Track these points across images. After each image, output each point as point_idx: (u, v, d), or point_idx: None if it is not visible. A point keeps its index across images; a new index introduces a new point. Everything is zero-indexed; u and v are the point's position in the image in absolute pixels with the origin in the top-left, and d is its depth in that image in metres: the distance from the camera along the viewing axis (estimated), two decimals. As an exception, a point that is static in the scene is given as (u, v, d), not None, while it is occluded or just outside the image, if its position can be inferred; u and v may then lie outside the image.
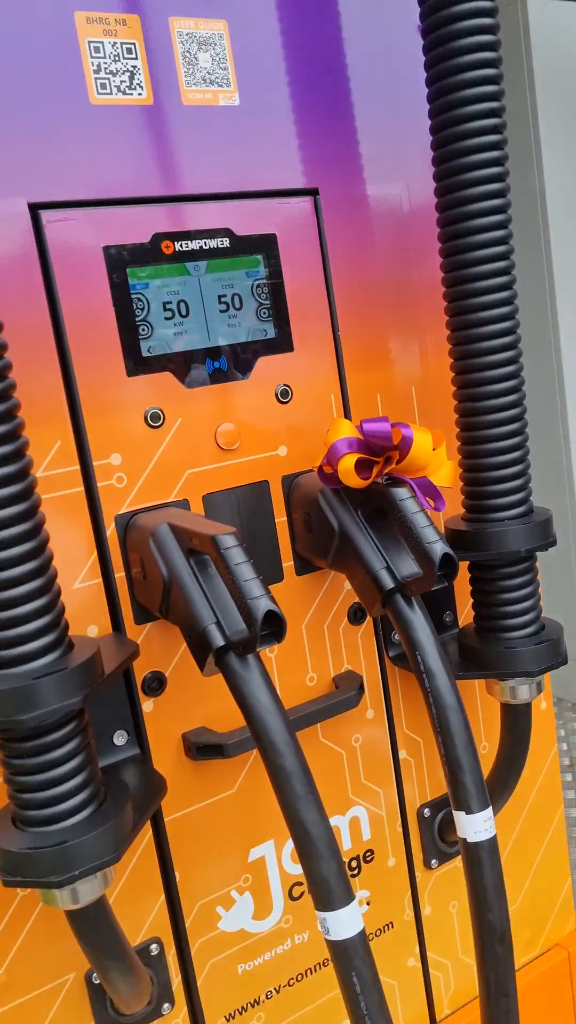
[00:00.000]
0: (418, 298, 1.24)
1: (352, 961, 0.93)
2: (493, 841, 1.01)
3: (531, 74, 2.73)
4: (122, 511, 1.05)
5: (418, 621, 1.03)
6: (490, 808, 1.02)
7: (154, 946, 1.12)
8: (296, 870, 1.23)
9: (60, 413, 1.00)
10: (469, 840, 1.01)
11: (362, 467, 1.03)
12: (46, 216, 0.98)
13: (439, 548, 0.96)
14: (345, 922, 0.92)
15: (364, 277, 1.20)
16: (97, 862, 0.86)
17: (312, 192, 1.15)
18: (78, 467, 1.02)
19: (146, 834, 1.11)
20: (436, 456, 1.03)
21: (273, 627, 0.88)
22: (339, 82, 1.16)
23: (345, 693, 1.19)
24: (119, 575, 1.06)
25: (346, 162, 1.17)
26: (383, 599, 1.05)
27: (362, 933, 0.93)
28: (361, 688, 1.22)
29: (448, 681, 1.02)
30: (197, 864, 1.15)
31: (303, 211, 1.15)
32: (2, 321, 0.88)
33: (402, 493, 1.00)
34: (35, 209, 0.97)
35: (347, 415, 1.21)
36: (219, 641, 0.91)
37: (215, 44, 1.06)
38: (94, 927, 0.93)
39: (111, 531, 1.05)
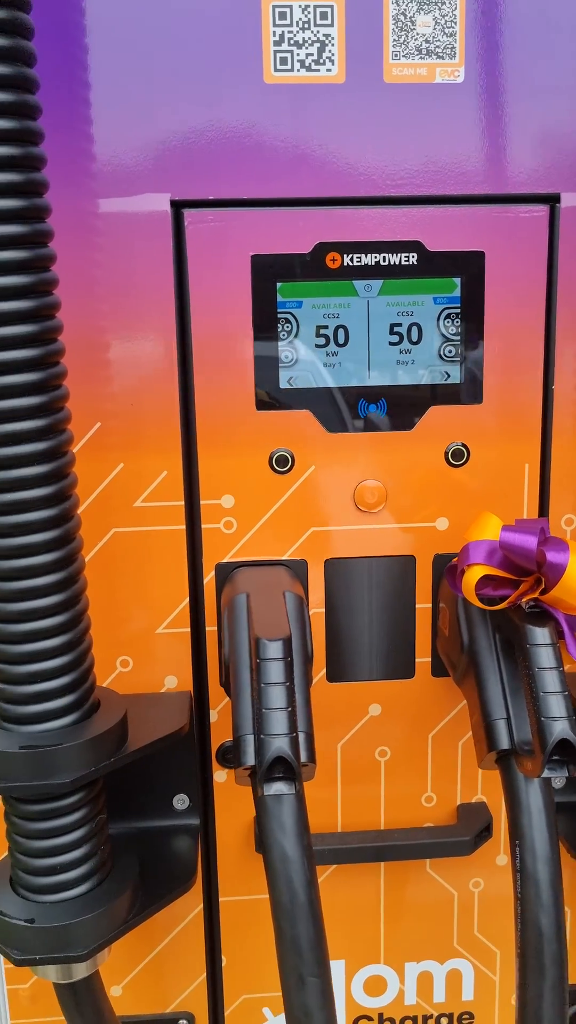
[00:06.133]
0: None
1: None
2: None
3: None
4: (225, 560, 0.92)
5: (532, 802, 0.77)
6: None
7: (183, 1021, 1.02)
8: (366, 1002, 1.05)
9: (171, 440, 0.89)
10: None
11: (501, 584, 0.77)
12: (189, 216, 0.84)
13: (558, 729, 0.69)
14: None
15: (606, 318, 0.89)
16: (58, 955, 0.78)
17: (550, 199, 0.87)
18: (183, 503, 0.90)
19: (197, 905, 1.00)
20: (607, 595, 0.73)
21: (287, 772, 0.70)
22: (622, 49, 0.84)
23: (460, 835, 0.96)
24: (211, 628, 0.94)
25: (607, 161, 0.86)
26: (496, 756, 0.79)
27: None
28: (487, 832, 0.97)
29: (552, 898, 0.75)
30: (249, 956, 1.02)
31: (531, 223, 0.87)
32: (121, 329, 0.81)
33: (537, 635, 0.73)
34: (178, 207, 0.84)
35: (544, 495, 0.93)
36: (249, 759, 0.75)
37: (443, 2, 0.82)
38: (74, 1003, 0.85)
39: (209, 579, 0.92)
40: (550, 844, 0.76)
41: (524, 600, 0.76)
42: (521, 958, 0.76)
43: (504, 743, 0.78)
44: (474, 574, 0.76)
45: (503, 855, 1.02)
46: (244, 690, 0.78)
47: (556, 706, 0.70)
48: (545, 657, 0.72)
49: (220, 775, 0.97)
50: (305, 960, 0.74)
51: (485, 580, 0.77)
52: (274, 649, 0.72)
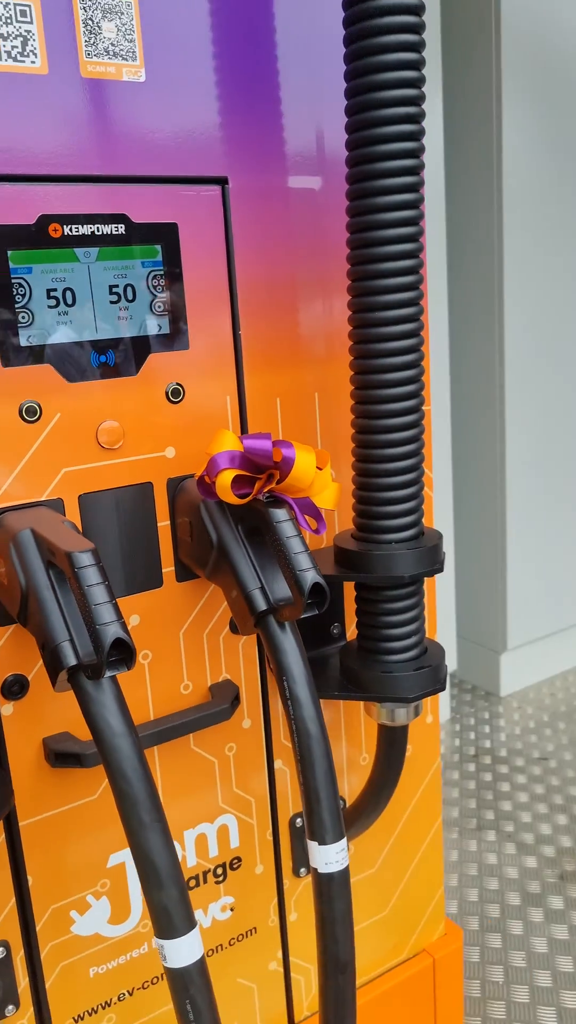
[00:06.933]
0: (329, 300, 1.19)
1: (187, 989, 0.91)
2: (344, 873, 1.00)
3: (499, 64, 2.64)
4: (-12, 508, 1.00)
5: (288, 646, 1.00)
6: (344, 840, 1.00)
7: (0, 950, 1.09)
8: (158, 876, 1.21)
9: None
10: (320, 871, 1.00)
11: (242, 483, 0.99)
12: None
13: (310, 577, 0.93)
14: (183, 951, 0.90)
15: (271, 274, 1.14)
16: None
17: (220, 180, 1.09)
18: None
19: (-2, 838, 1.07)
20: (320, 477, 0.99)
21: (122, 654, 0.84)
22: (259, 66, 1.08)
23: (218, 706, 1.16)
24: (-18, 574, 1.01)
25: (261, 151, 1.10)
26: (256, 620, 1.01)
27: (200, 962, 0.91)
28: (236, 700, 1.19)
29: (314, 711, 1.00)
30: (52, 869, 1.12)
31: (209, 200, 1.08)
32: None
33: (280, 514, 0.96)
34: None
35: (243, 419, 1.16)
36: (71, 660, 0.87)
37: (122, 13, 0.98)
38: None
39: (-25, 528, 0.99)
40: (305, 671, 1.00)
41: (263, 492, 0.98)
42: (301, 762, 1.00)
43: (262, 605, 1.00)
44: (226, 477, 0.96)
45: (247, 719, 1.25)
46: (49, 607, 0.90)
47: (305, 561, 0.94)
48: (289, 528, 0.95)
49: (6, 708, 1.05)
50: (144, 808, 0.89)
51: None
52: (87, 558, 0.85)
